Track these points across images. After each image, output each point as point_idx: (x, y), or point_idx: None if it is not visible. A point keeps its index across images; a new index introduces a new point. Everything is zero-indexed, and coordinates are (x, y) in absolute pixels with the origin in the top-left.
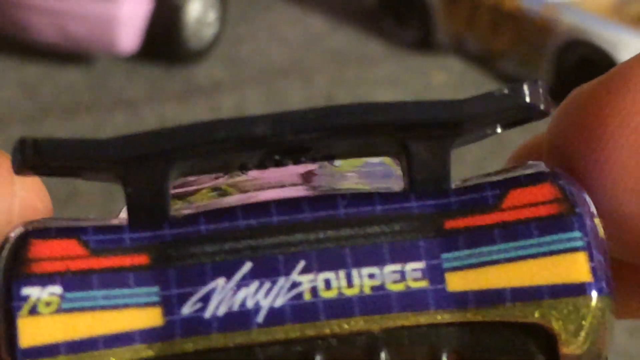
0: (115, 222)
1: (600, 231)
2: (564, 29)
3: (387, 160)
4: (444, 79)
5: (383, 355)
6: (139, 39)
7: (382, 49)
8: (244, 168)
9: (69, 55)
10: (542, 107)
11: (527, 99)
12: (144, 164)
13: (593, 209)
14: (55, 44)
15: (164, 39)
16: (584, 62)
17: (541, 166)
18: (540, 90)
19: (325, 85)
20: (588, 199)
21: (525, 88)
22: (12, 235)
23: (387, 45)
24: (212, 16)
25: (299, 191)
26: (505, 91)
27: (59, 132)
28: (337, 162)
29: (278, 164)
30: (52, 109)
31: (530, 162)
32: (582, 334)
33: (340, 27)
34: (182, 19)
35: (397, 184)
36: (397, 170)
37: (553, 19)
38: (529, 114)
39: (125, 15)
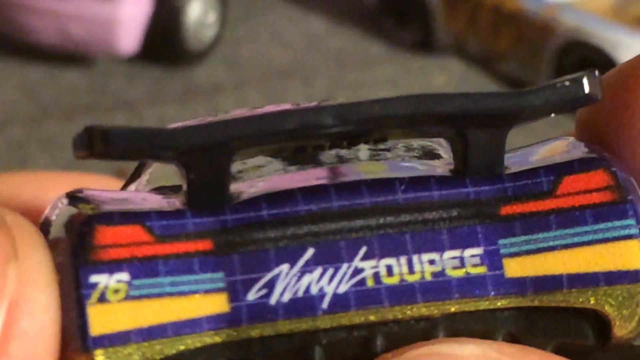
0: (175, 205)
1: None
2: (564, 30)
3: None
4: (444, 80)
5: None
6: (139, 41)
7: (383, 50)
8: (300, 151)
9: (70, 56)
10: (598, 96)
11: (587, 90)
12: (208, 153)
13: None
14: (56, 45)
15: (164, 41)
16: (585, 62)
17: (583, 148)
18: (598, 81)
19: (326, 86)
20: (635, 184)
21: (585, 79)
22: (57, 214)
23: (387, 47)
24: (212, 17)
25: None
26: (567, 83)
27: (60, 133)
28: (362, 155)
29: (332, 147)
30: (53, 110)
31: (571, 140)
32: (636, 319)
33: (340, 29)
34: (182, 20)
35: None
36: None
37: (553, 20)
38: (586, 103)
39: (125, 16)
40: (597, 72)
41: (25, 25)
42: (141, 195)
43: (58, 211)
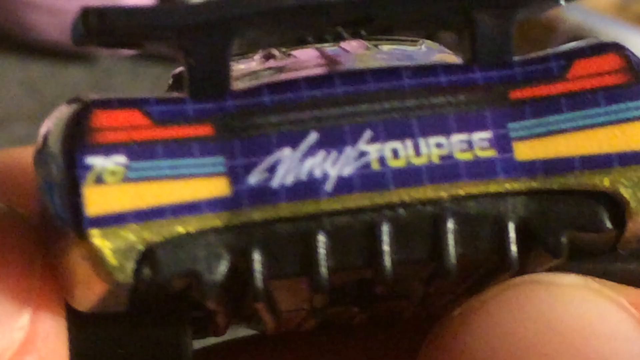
0: (176, 94)
1: None
2: (567, 27)
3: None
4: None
5: (450, 224)
6: None
7: None
8: (302, 42)
9: (72, 53)
10: None
11: None
12: (206, 32)
13: None
14: (58, 42)
15: None
16: None
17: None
18: None
19: None
20: None
21: None
22: (57, 119)
23: None
24: None
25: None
26: None
27: None
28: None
29: (337, 37)
30: (55, 107)
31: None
32: None
33: None
34: None
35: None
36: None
37: (557, 17)
38: None
39: None
40: None
41: (27, 22)
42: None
43: (58, 115)
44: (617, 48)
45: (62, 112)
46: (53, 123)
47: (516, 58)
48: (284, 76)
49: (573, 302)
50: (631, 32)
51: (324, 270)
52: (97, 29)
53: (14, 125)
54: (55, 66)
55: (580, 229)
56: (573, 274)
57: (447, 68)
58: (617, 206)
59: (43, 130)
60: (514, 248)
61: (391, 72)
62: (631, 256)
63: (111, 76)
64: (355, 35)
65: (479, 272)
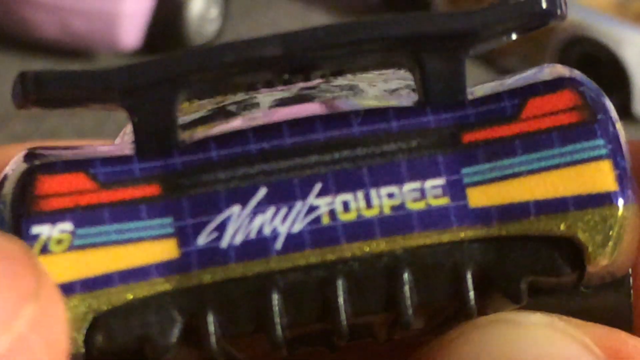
0: (122, 151)
1: (622, 136)
2: (567, 26)
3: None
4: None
5: (406, 275)
6: (141, 35)
7: None
8: (251, 88)
9: (71, 51)
10: (559, 11)
11: (544, 6)
12: (150, 91)
13: (614, 114)
14: (58, 40)
15: (166, 35)
16: (587, 58)
17: (561, 68)
18: None
19: None
20: (609, 103)
21: None
22: (13, 169)
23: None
24: (214, 12)
25: (315, 107)
26: None
27: (62, 127)
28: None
29: (287, 82)
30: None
31: (549, 64)
32: (610, 244)
33: None
34: (185, 15)
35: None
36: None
37: None
38: (545, 20)
39: (127, 11)
40: None
41: (27, 20)
42: (96, 147)
43: (14, 166)
44: (572, 84)
45: (17, 166)
46: (10, 173)
47: (470, 96)
48: (239, 121)
49: (537, 342)
50: (630, 30)
51: (279, 327)
52: (35, 94)
53: (13, 123)
54: (54, 64)
55: (539, 274)
56: (538, 312)
57: (399, 111)
58: (575, 249)
59: (2, 174)
60: (472, 296)
61: (341, 119)
62: (595, 291)
63: None
64: (307, 80)
65: (438, 318)
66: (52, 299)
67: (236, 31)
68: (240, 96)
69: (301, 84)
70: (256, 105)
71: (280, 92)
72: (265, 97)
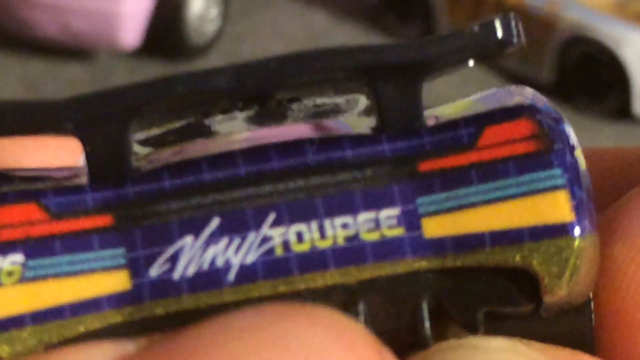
0: (76, 179)
1: (582, 164)
2: (567, 26)
3: None
4: (444, 76)
5: (361, 307)
6: (141, 35)
7: None
8: (206, 115)
9: (71, 51)
10: (514, 40)
11: (500, 35)
12: (101, 123)
13: (573, 141)
14: (57, 39)
15: (166, 35)
16: (587, 58)
17: (521, 95)
18: (513, 24)
19: None
20: (568, 130)
21: (498, 24)
22: None
23: (389, 42)
24: (214, 12)
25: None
26: (476, 29)
27: None
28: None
29: (244, 109)
30: None
31: (510, 87)
32: (566, 275)
33: (342, 24)
34: (184, 14)
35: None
36: None
37: (556, 16)
38: (501, 48)
39: (127, 10)
40: (512, 15)
41: (27, 20)
42: (51, 171)
43: None
44: (529, 112)
45: None
46: None
47: (426, 124)
48: (192, 147)
49: None
50: (629, 30)
51: None
52: None
53: None
54: (54, 63)
55: (495, 305)
56: (499, 337)
57: (354, 140)
58: (532, 280)
59: None
60: (427, 325)
61: (295, 148)
62: (557, 315)
63: (110, 73)
64: (262, 107)
65: (395, 348)
66: None
67: (236, 31)
68: (197, 119)
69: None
70: (207, 131)
71: (242, 116)
72: (218, 120)
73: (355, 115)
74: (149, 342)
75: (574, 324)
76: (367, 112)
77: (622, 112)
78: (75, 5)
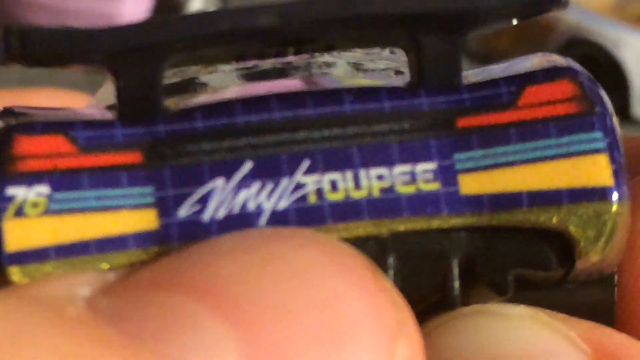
0: (104, 115)
1: (619, 132)
2: (565, 27)
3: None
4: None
5: (391, 260)
6: None
7: None
8: (241, 59)
9: None
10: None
11: None
12: (137, 56)
13: (611, 108)
14: None
15: None
16: (586, 60)
17: (557, 58)
18: None
19: None
20: (606, 96)
21: None
22: None
23: None
24: None
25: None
26: None
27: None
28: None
29: (278, 54)
30: None
31: (543, 53)
32: (602, 240)
33: None
34: None
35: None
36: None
37: (555, 17)
38: (548, 5)
39: (126, 13)
40: None
41: (25, 21)
42: (76, 110)
43: None
44: (571, 74)
45: None
46: None
47: (466, 81)
48: (223, 94)
49: (521, 333)
50: (628, 32)
51: None
52: (19, 51)
53: None
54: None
55: (526, 267)
56: (522, 305)
57: (392, 92)
58: (566, 244)
59: None
60: (456, 285)
61: (332, 96)
62: (580, 286)
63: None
64: (298, 53)
65: (420, 306)
66: (415, 333)
67: None
68: (209, 69)
69: (273, 60)
70: (224, 82)
71: (251, 66)
72: (235, 70)
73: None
74: (130, 270)
75: (595, 297)
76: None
77: (621, 114)
78: (74, 7)
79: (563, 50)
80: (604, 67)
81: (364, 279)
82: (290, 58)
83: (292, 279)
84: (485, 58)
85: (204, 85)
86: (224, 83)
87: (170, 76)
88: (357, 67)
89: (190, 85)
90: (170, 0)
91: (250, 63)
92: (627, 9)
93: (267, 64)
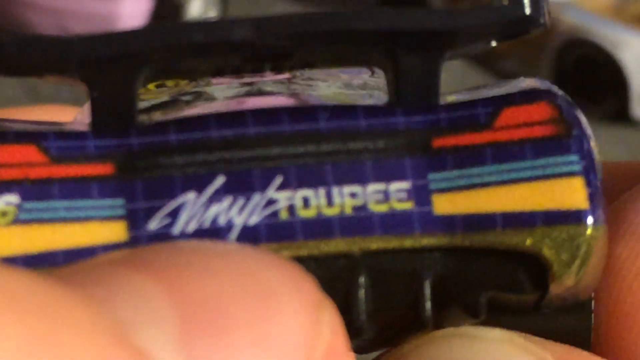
0: (78, 127)
1: (597, 155)
2: (564, 28)
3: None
4: (444, 79)
5: (362, 279)
6: None
7: None
8: (219, 74)
9: None
10: (541, 20)
11: (527, 11)
12: (112, 65)
13: (589, 131)
14: None
15: None
16: (585, 61)
17: (536, 82)
18: (541, 2)
19: None
20: (584, 119)
21: (526, 0)
22: None
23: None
24: (212, 14)
25: (282, 99)
26: (505, 2)
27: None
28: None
29: (256, 70)
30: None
31: (525, 78)
32: (576, 264)
33: None
34: (183, 17)
35: (376, 95)
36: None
37: (554, 18)
38: (527, 27)
39: (125, 13)
40: None
41: (25, 22)
42: (56, 122)
43: None
44: (549, 96)
45: None
46: None
47: (443, 101)
48: (198, 109)
49: (497, 356)
50: (627, 33)
51: None
52: None
53: None
54: None
55: (499, 289)
56: (497, 328)
57: (368, 110)
58: (539, 267)
59: None
60: (428, 306)
61: (308, 113)
62: (557, 311)
63: None
64: (275, 70)
65: (392, 328)
66: (331, 305)
67: None
68: (194, 86)
69: (257, 78)
70: (211, 98)
71: (237, 85)
72: (221, 89)
73: (332, 94)
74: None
75: (572, 323)
76: (364, 87)
77: (620, 114)
78: (74, 8)
79: (562, 51)
80: (603, 67)
81: (293, 270)
82: (286, 75)
83: (231, 270)
84: (486, 58)
85: (189, 102)
86: (213, 98)
87: (159, 94)
88: (347, 85)
89: (176, 102)
90: (170, 2)
91: (248, 80)
92: (627, 10)
93: (266, 82)
